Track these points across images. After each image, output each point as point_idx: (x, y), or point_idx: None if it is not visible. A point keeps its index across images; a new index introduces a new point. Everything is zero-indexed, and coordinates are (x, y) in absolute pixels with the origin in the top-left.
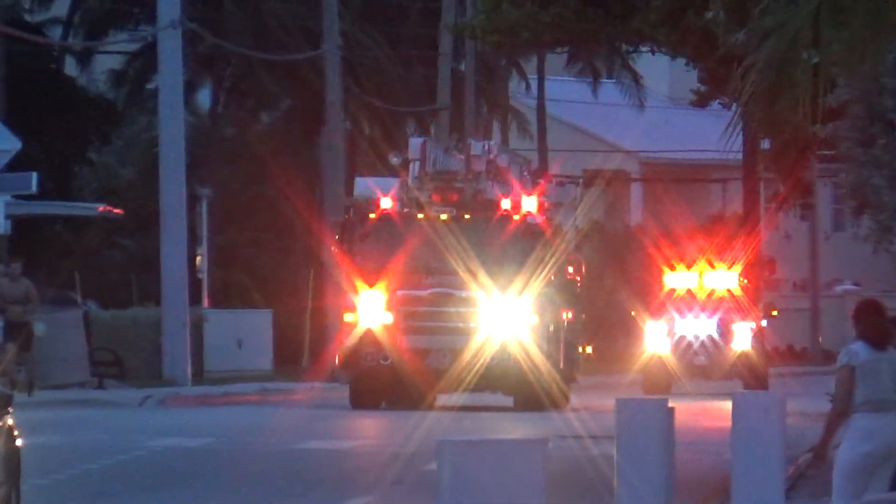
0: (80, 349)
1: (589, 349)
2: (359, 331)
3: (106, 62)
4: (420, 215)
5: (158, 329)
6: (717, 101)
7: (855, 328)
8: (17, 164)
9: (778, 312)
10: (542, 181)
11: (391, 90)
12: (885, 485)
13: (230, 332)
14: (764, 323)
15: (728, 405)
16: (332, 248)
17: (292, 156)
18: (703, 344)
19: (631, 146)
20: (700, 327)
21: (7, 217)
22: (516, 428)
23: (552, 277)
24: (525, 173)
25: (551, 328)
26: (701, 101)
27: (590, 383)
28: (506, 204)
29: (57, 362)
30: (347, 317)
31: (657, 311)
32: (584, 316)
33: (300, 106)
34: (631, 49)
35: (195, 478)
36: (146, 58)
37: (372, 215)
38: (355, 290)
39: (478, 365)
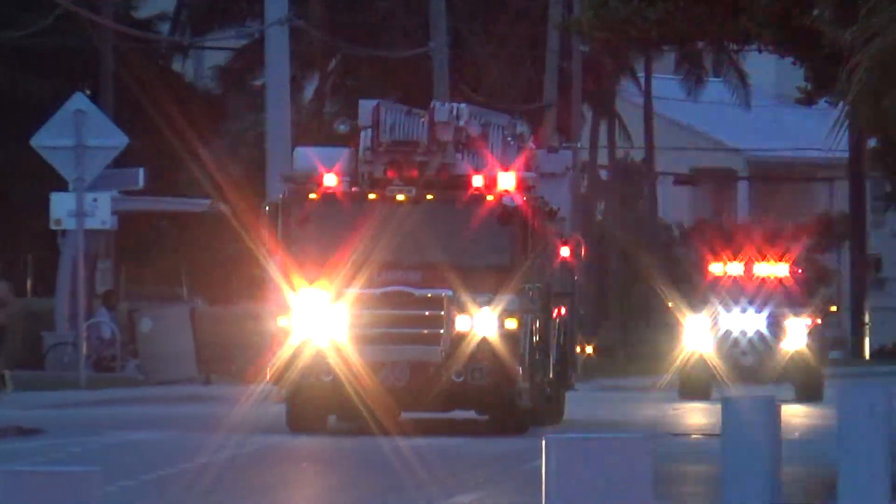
0: (188, 345)
1: (589, 349)
2: (295, 339)
3: (212, 58)
4: (372, 195)
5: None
6: (824, 99)
7: None
8: (125, 159)
9: (837, 308)
10: (524, 153)
11: (497, 88)
12: None
13: None
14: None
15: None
16: (264, 236)
17: None
18: (750, 341)
19: (737, 144)
20: (748, 322)
21: (114, 213)
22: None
23: (540, 266)
24: (510, 140)
25: (535, 332)
26: (807, 100)
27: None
28: (478, 181)
29: (164, 358)
30: (281, 321)
31: (699, 305)
32: (582, 311)
33: (406, 103)
34: (737, 48)
35: (303, 474)
36: (253, 54)
37: (312, 195)
38: (291, 288)
39: (442, 381)
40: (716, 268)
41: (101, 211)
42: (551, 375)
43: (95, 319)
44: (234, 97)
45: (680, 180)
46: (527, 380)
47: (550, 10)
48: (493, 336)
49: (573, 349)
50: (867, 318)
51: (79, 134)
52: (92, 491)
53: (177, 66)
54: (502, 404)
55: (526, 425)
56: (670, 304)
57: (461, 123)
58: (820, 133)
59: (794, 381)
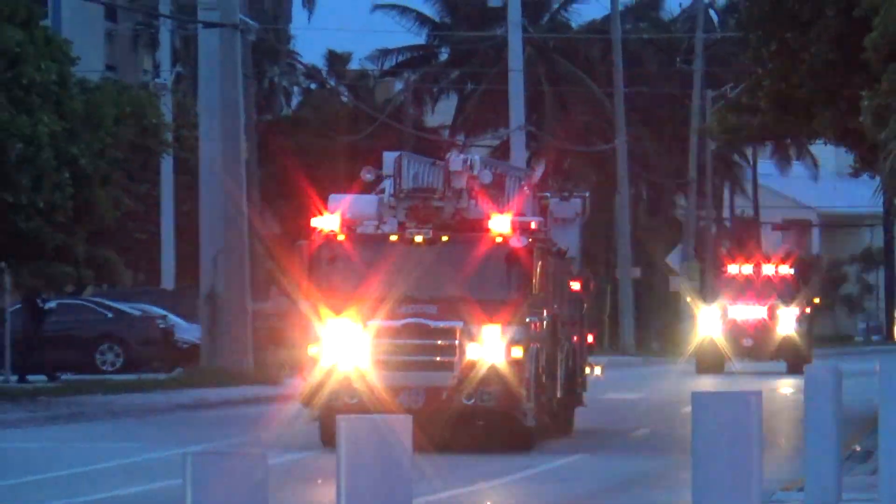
0: None
1: (598, 370)
2: (324, 366)
3: (477, 151)
4: (393, 237)
5: None
6: (867, 174)
7: None
8: None
9: (820, 301)
10: (525, 197)
11: (658, 168)
12: None
13: None
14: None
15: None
16: (295, 274)
17: (594, 218)
18: (752, 327)
19: (811, 203)
20: (750, 312)
21: None
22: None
23: (545, 299)
24: (526, 189)
25: (541, 358)
26: (856, 174)
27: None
28: (488, 224)
29: None
30: (311, 349)
31: (710, 298)
32: (591, 336)
33: (598, 180)
34: (810, 141)
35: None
36: (504, 148)
37: (340, 237)
38: (320, 320)
39: (454, 404)
40: (731, 269)
41: None
42: (559, 395)
43: None
44: None
45: (775, 227)
46: (531, 401)
47: (691, 119)
48: (501, 363)
49: (582, 370)
50: None
51: None
52: (405, 435)
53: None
54: (508, 424)
55: (530, 443)
56: (689, 300)
57: (474, 172)
58: (864, 196)
59: (785, 358)
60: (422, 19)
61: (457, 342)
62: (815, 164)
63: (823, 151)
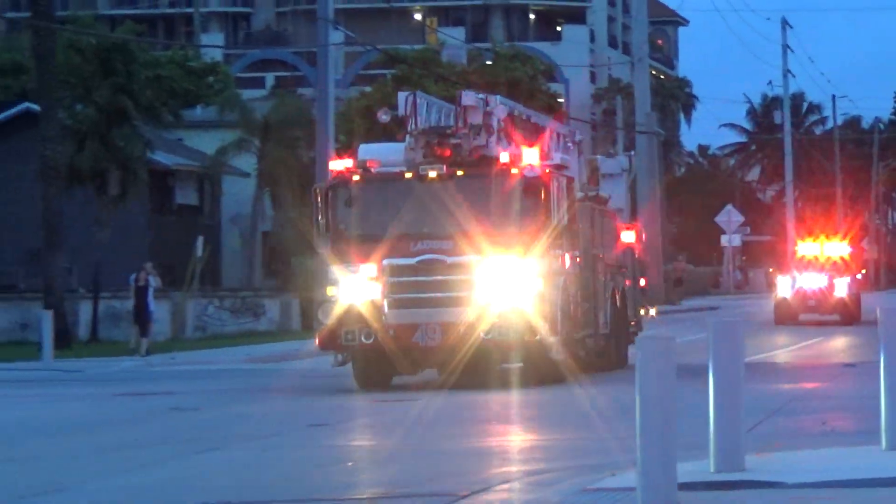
0: None
1: (652, 311)
2: (341, 306)
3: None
4: (408, 174)
5: None
6: None
7: None
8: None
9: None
10: (543, 133)
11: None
12: None
13: None
14: (859, 276)
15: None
16: (314, 217)
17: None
18: (814, 291)
19: None
20: (813, 281)
21: None
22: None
23: (573, 233)
24: (570, 145)
25: (570, 291)
26: None
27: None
28: (505, 157)
29: None
30: (329, 290)
31: (785, 270)
32: (643, 280)
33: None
34: None
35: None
36: (783, 194)
37: (356, 178)
38: (339, 261)
39: (472, 339)
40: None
41: None
42: (604, 330)
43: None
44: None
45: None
46: (556, 334)
47: (872, 179)
48: (519, 295)
49: (636, 312)
50: None
51: None
52: None
53: None
54: (532, 358)
55: (563, 375)
56: (770, 270)
57: (489, 108)
58: None
59: (839, 313)
60: (743, 129)
61: (473, 276)
62: None
63: None
